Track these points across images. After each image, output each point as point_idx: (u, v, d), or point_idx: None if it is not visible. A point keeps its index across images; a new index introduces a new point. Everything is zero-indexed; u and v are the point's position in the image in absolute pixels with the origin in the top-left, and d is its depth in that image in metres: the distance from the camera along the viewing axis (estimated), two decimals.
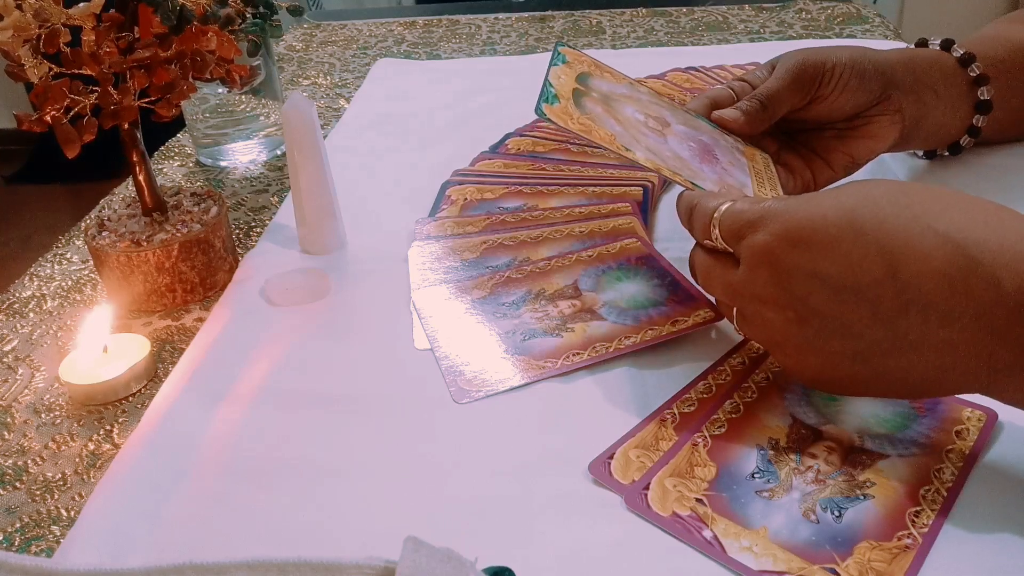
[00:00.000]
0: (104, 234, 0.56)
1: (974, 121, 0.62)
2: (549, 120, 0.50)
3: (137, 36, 0.51)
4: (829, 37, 1.00)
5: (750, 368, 0.47)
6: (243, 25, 0.56)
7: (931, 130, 0.61)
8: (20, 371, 0.52)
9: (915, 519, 0.37)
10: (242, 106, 0.78)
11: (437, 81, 0.93)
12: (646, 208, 0.63)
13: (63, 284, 0.61)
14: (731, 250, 0.43)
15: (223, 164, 0.78)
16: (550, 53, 0.56)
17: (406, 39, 1.10)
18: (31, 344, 0.55)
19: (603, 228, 0.60)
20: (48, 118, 0.49)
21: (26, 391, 0.51)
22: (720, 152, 0.55)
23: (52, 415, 0.49)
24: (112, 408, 0.49)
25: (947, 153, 0.65)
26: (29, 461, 0.45)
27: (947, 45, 0.61)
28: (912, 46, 0.64)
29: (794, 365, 0.42)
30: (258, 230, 0.67)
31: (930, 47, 0.62)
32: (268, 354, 0.51)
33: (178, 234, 0.56)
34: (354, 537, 0.39)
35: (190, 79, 0.53)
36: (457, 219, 0.63)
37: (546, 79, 0.53)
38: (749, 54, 0.91)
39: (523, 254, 0.58)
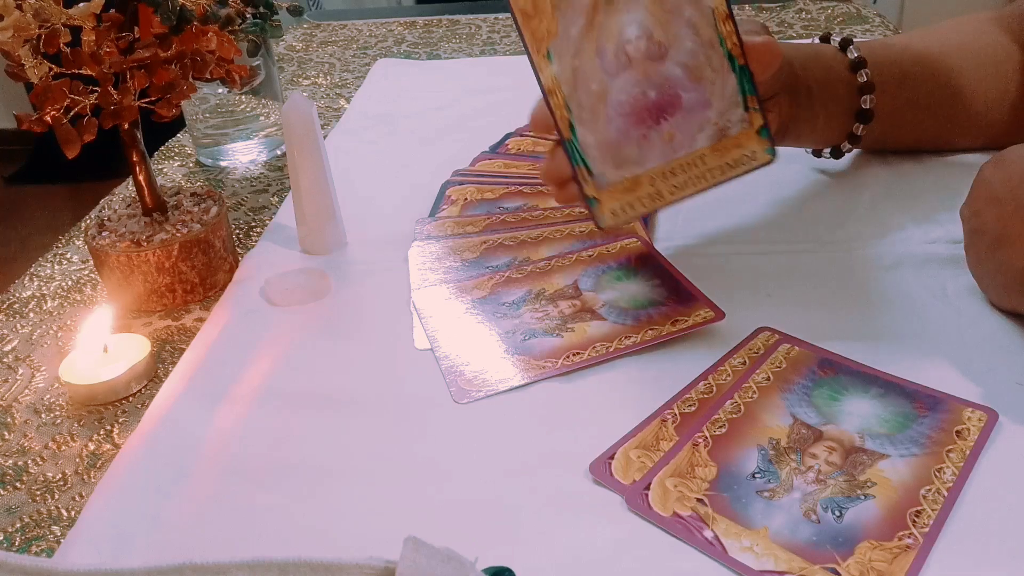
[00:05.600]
0: (104, 234, 0.56)
1: (853, 129, 0.61)
2: None
3: (137, 36, 0.51)
4: None
5: (750, 368, 0.47)
6: (243, 25, 0.56)
7: (803, 131, 0.59)
8: (20, 371, 0.52)
9: (916, 519, 0.37)
10: (242, 106, 0.78)
11: (437, 81, 0.93)
12: None
13: (63, 284, 0.61)
14: None
15: (223, 164, 0.78)
16: None
17: (406, 39, 1.10)
18: (31, 344, 0.55)
19: None
20: (48, 118, 0.49)
21: (26, 391, 0.51)
22: (688, 122, 0.47)
23: (52, 415, 0.49)
24: (112, 408, 0.49)
25: (829, 155, 0.64)
26: (29, 461, 0.45)
27: (845, 44, 0.60)
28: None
29: None
30: (258, 230, 0.67)
31: (832, 43, 0.61)
32: (268, 354, 0.51)
33: (178, 234, 0.56)
34: (354, 537, 0.39)
35: (190, 79, 0.53)
36: (457, 219, 0.63)
37: None
38: None
39: (523, 254, 0.58)
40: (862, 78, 0.59)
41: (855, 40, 0.60)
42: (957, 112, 0.63)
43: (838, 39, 0.60)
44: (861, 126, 0.60)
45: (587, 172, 0.47)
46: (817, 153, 0.65)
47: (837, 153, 0.63)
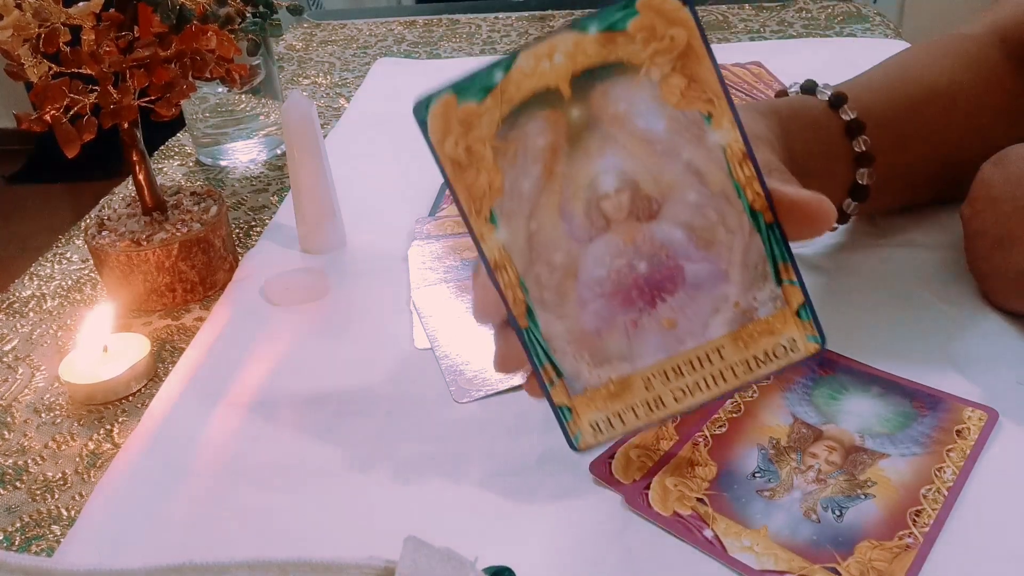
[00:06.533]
0: (104, 234, 0.56)
1: (857, 177, 0.51)
2: (422, 128, 0.34)
3: (137, 35, 0.51)
4: (829, 36, 0.99)
5: None
6: (243, 24, 0.56)
7: None
8: (20, 371, 0.52)
9: (916, 518, 0.37)
10: (242, 105, 0.78)
11: (437, 81, 0.93)
12: None
13: (63, 284, 0.61)
14: None
15: (223, 163, 0.78)
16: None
17: (406, 39, 1.10)
18: (31, 344, 0.55)
19: None
20: (48, 117, 0.49)
21: (26, 391, 0.51)
22: (696, 303, 0.34)
23: (52, 415, 0.49)
24: (112, 408, 0.49)
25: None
26: (29, 461, 0.45)
27: (837, 102, 0.51)
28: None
29: None
30: (258, 229, 0.67)
31: (819, 96, 0.51)
32: (268, 354, 0.51)
33: (178, 233, 0.56)
34: (354, 537, 0.39)
35: (190, 78, 0.53)
36: (457, 218, 0.63)
37: (514, 55, 0.34)
38: (749, 53, 0.91)
39: None
40: (859, 147, 0.51)
41: (840, 88, 0.52)
42: (953, 164, 0.55)
43: (828, 93, 0.51)
44: (865, 172, 0.51)
45: (554, 372, 0.35)
46: None
47: (843, 217, 0.53)
